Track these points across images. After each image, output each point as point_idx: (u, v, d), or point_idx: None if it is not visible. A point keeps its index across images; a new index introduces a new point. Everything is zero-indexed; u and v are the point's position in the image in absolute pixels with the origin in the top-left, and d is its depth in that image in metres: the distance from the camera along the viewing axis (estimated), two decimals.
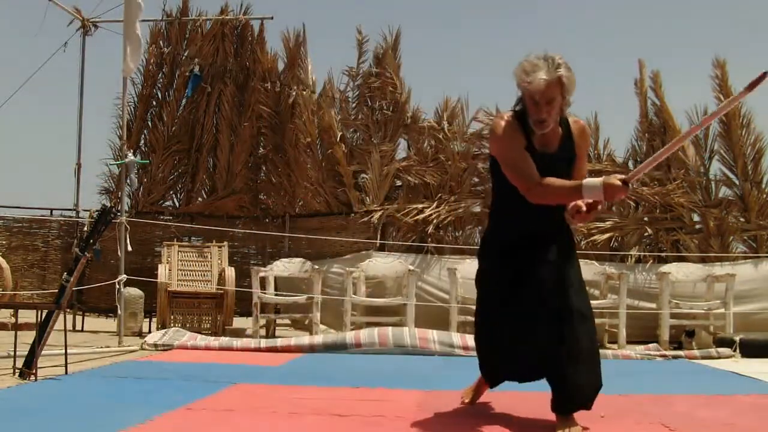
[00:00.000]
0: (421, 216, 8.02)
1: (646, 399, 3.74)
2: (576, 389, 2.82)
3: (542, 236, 2.96)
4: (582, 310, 2.86)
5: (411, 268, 7.32)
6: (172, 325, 7.13)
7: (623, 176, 2.70)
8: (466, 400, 3.38)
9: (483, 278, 3.17)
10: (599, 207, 2.81)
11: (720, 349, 6.09)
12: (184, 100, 9.09)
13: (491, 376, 3.24)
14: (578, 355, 2.79)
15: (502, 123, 2.99)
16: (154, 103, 9.14)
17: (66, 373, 4.21)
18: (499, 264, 3.06)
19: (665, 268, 7.52)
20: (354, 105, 8.97)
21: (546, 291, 2.84)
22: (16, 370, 4.05)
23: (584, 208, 2.78)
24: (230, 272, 7.54)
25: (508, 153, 2.95)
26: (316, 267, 7.56)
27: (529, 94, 2.84)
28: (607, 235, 8.05)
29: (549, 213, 2.93)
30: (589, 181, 2.74)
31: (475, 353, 3.32)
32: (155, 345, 5.91)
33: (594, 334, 2.91)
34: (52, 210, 8.88)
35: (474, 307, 3.30)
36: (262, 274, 7.44)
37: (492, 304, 3.09)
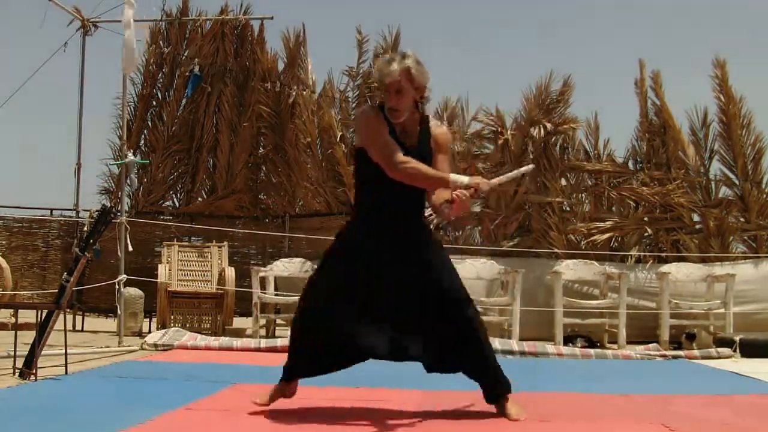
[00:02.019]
0: None
1: (646, 399, 3.74)
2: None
3: (402, 228, 3.17)
4: (458, 296, 3.11)
5: None
6: (172, 325, 7.13)
7: (486, 181, 3.00)
8: (258, 401, 3.24)
9: (333, 262, 3.22)
10: (465, 205, 3.00)
11: (720, 349, 6.10)
12: (184, 100, 9.08)
13: (310, 362, 3.22)
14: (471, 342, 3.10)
15: (367, 110, 3.28)
16: (154, 103, 9.14)
17: (66, 373, 4.21)
18: (356, 254, 3.15)
19: (665, 268, 7.52)
20: (354, 105, 8.96)
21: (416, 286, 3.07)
22: (16, 370, 4.05)
23: (452, 207, 2.98)
24: (230, 272, 7.54)
25: (376, 134, 3.11)
26: (316, 267, 7.54)
27: (383, 86, 3.09)
28: (607, 235, 8.05)
29: (409, 206, 3.20)
30: (456, 176, 3.02)
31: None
32: (155, 345, 5.91)
33: (472, 315, 3.15)
34: (52, 210, 8.88)
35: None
36: (262, 274, 7.43)
37: (339, 288, 3.12)
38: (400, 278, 3.10)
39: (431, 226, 3.42)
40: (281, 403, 3.40)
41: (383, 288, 3.09)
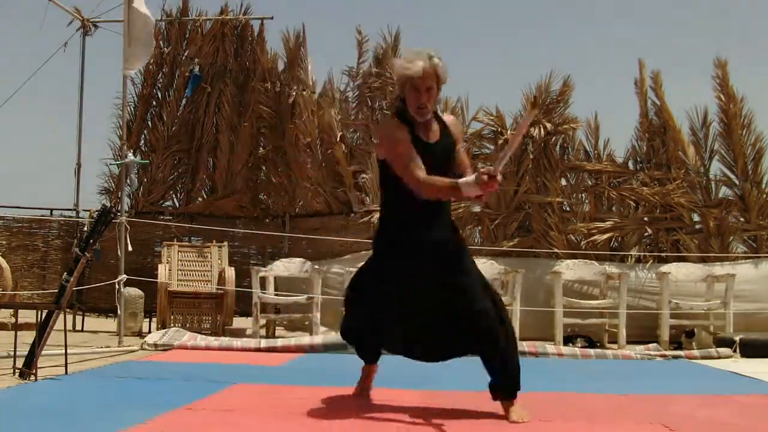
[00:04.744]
0: None
1: (646, 399, 3.74)
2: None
3: (434, 238, 3.22)
4: (486, 307, 3.13)
5: None
6: (172, 325, 7.13)
7: (489, 169, 2.95)
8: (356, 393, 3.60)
9: (372, 276, 3.39)
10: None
11: (720, 349, 6.10)
12: (184, 100, 9.09)
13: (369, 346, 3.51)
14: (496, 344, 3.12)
15: (387, 122, 3.42)
16: (154, 103, 9.14)
17: (66, 373, 4.21)
18: (388, 264, 3.29)
19: (665, 268, 7.52)
20: (354, 105, 8.96)
21: (449, 293, 3.13)
22: (16, 370, 4.04)
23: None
24: (230, 272, 7.54)
25: (397, 150, 3.17)
26: (316, 267, 7.56)
27: (410, 83, 3.14)
28: (607, 235, 8.05)
29: (439, 214, 3.25)
30: (464, 180, 3.04)
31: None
32: (155, 345, 5.90)
33: (494, 329, 3.14)
34: (52, 210, 8.89)
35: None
36: (262, 274, 7.44)
37: (378, 299, 3.30)
38: (433, 287, 3.18)
39: (474, 210, 3.55)
40: (281, 404, 3.41)
41: (419, 299, 3.19)
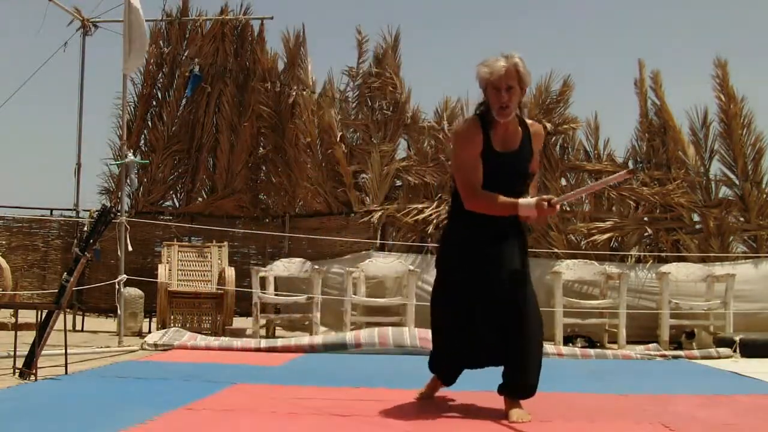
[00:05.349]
0: (421, 216, 8.02)
1: (646, 399, 3.74)
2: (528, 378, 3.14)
3: (502, 235, 3.19)
4: (530, 308, 3.13)
5: (411, 268, 7.32)
6: (172, 325, 7.13)
7: (553, 198, 3.06)
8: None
9: (446, 275, 3.36)
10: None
11: (720, 349, 6.09)
12: (184, 100, 9.09)
13: (450, 368, 3.41)
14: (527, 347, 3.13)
15: (464, 124, 3.29)
16: (154, 103, 9.14)
17: (66, 373, 4.21)
18: (459, 261, 3.26)
19: (665, 268, 7.52)
20: (354, 105, 8.96)
21: (502, 289, 3.12)
22: (16, 370, 4.05)
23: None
24: (230, 272, 7.54)
25: (461, 154, 3.22)
26: (316, 267, 7.56)
27: (491, 84, 3.11)
28: (607, 235, 8.05)
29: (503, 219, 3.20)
30: (524, 201, 3.08)
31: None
32: (155, 345, 5.90)
33: (536, 333, 3.16)
34: (52, 210, 8.88)
35: None
36: (262, 274, 7.44)
37: (455, 298, 3.27)
38: (493, 288, 3.16)
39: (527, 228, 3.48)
40: (281, 403, 3.41)
41: (484, 297, 3.18)
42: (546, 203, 3.01)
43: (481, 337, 3.18)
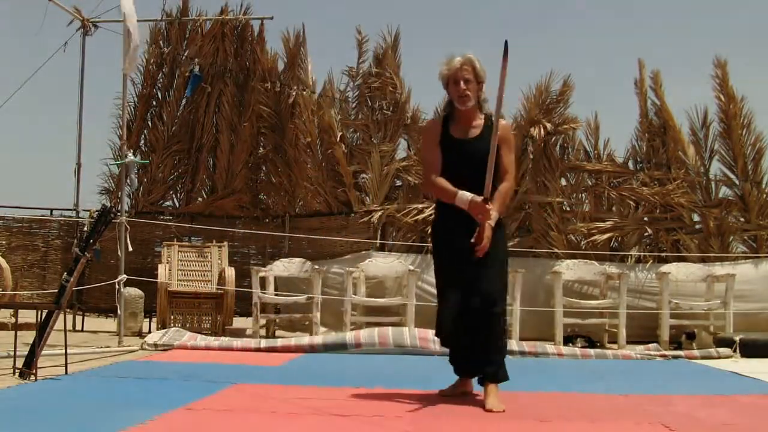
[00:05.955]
0: (421, 216, 8.01)
1: (646, 399, 3.74)
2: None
3: (472, 228, 3.39)
4: (494, 293, 3.41)
5: (411, 268, 7.32)
6: (172, 325, 7.13)
7: (490, 202, 3.33)
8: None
9: (436, 264, 3.67)
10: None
11: (720, 349, 6.09)
12: (184, 100, 9.08)
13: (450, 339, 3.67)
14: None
15: (426, 125, 3.83)
16: (154, 103, 9.13)
17: (66, 373, 4.21)
18: (443, 248, 3.60)
19: (665, 268, 7.52)
20: (354, 105, 8.96)
21: (474, 275, 3.40)
22: (16, 370, 4.05)
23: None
24: (230, 272, 7.54)
25: (423, 145, 3.80)
26: (316, 267, 7.56)
27: (450, 78, 3.50)
28: (607, 235, 8.05)
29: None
30: (462, 193, 3.39)
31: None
32: (155, 345, 5.91)
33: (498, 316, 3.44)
34: (52, 210, 8.88)
35: None
36: (262, 274, 7.44)
37: (440, 282, 3.62)
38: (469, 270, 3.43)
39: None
40: (281, 403, 3.41)
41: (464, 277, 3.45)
42: (481, 201, 3.30)
43: (460, 317, 3.45)
